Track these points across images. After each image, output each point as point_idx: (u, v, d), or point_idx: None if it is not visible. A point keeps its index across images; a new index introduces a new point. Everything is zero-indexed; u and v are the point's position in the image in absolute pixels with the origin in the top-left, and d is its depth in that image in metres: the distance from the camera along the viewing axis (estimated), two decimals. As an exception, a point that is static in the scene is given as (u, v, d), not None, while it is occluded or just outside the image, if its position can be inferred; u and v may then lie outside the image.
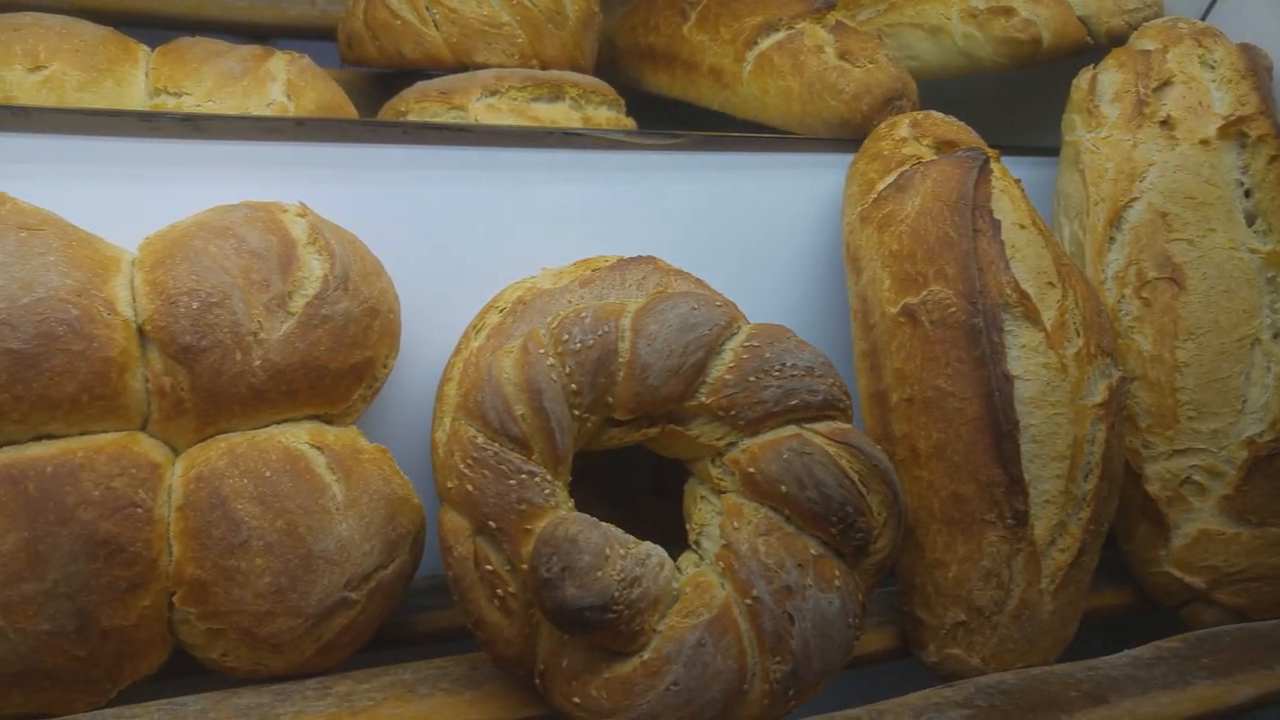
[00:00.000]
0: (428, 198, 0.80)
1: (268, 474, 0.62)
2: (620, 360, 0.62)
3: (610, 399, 0.62)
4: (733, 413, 0.62)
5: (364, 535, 0.64)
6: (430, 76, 0.99)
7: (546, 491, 0.59)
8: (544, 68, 0.99)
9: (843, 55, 0.91)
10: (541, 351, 0.62)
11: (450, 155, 0.80)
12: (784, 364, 0.63)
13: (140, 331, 0.62)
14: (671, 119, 1.14)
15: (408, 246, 0.77)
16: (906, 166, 0.78)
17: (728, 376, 0.62)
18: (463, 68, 0.98)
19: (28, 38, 0.76)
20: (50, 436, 0.60)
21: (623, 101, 1.01)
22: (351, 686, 0.63)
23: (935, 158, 0.78)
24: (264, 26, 1.15)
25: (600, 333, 0.62)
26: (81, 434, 0.60)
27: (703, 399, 0.63)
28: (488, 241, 0.81)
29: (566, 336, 0.62)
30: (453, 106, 0.92)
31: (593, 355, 0.61)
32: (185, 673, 0.65)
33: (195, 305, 0.62)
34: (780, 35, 0.94)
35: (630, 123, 1.00)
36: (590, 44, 1.05)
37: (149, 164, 0.73)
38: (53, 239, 0.62)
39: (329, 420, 0.68)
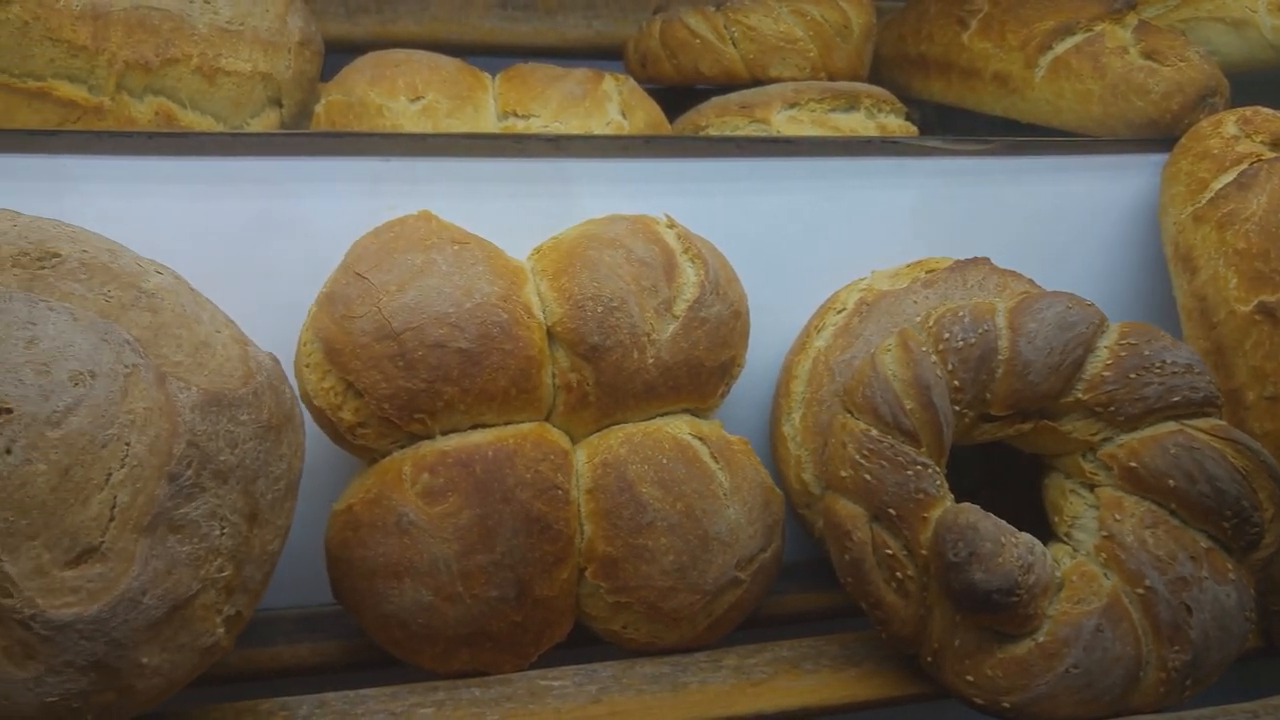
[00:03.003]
0: (754, 207, 0.85)
1: (664, 461, 0.68)
2: (1000, 358, 0.65)
3: (988, 395, 0.65)
4: (1111, 408, 0.64)
5: (748, 519, 0.69)
6: (711, 92, 1.04)
7: (937, 482, 0.63)
8: (831, 79, 1.03)
9: (1148, 55, 0.91)
10: (924, 349, 0.65)
11: (775, 166, 0.85)
12: (1164, 361, 0.64)
13: (548, 332, 0.69)
14: (925, 123, 1.16)
15: (737, 252, 0.82)
16: (1245, 165, 0.78)
17: (1106, 373, 0.65)
18: (755, 82, 1.03)
19: (406, 72, 0.85)
20: (482, 426, 0.67)
21: (905, 108, 1.04)
22: (739, 661, 0.68)
23: (1276, 154, 0.78)
24: (546, 48, 1.23)
25: (980, 331, 0.65)
26: (506, 424, 0.68)
27: (1079, 395, 0.65)
28: (810, 247, 0.85)
29: (947, 335, 0.65)
30: (754, 119, 0.97)
31: (975, 353, 0.65)
32: (576, 643, 0.71)
33: (600, 309, 0.68)
34: (1078, 38, 0.95)
35: (914, 129, 1.03)
36: (868, 54, 1.09)
37: (518, 181, 0.80)
38: (477, 250, 0.69)
39: (696, 414, 0.74)
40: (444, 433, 0.66)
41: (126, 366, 0.52)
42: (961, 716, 0.65)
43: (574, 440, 0.70)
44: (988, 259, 0.80)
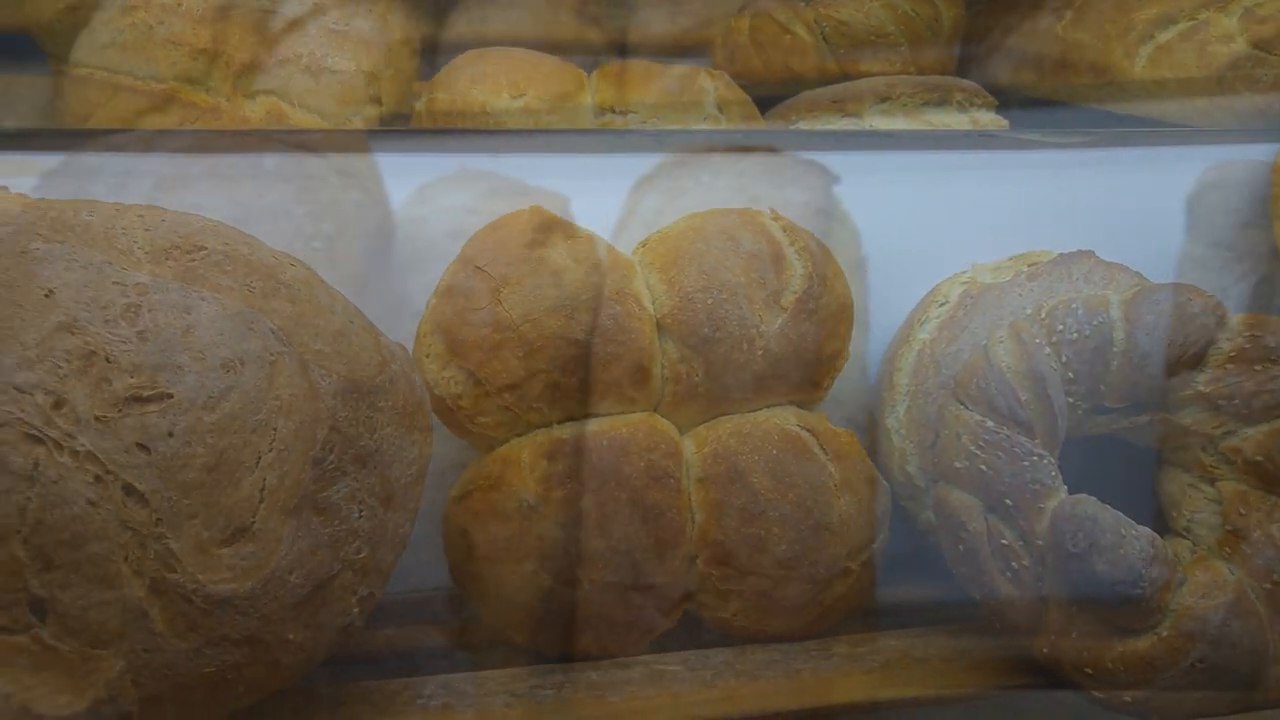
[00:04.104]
0: (852, 200, 0.85)
1: (774, 452, 0.69)
2: (1115, 349, 0.65)
3: (1103, 387, 0.65)
4: (1235, 401, 0.64)
5: (857, 511, 0.69)
6: (799, 87, 1.04)
7: (1052, 473, 0.63)
8: (920, 73, 1.03)
9: (1255, 43, 0.90)
10: (1038, 341, 0.65)
11: (873, 160, 0.86)
12: (1289, 353, 0.63)
13: (658, 324, 0.70)
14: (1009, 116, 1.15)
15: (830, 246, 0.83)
16: (1363, 155, 0.76)
17: (1229, 365, 0.64)
18: (845, 77, 1.03)
19: (508, 70, 0.87)
20: (595, 415, 0.69)
21: (995, 102, 1.03)
22: (849, 649, 0.68)
23: (1395, 145, 0.76)
24: (630, 45, 1.24)
25: (1095, 323, 0.65)
26: (618, 413, 0.69)
27: (1199, 388, 0.64)
28: (907, 240, 0.85)
29: (1061, 327, 0.65)
30: (846, 114, 0.97)
31: (1090, 345, 0.64)
32: (680, 630, 0.72)
33: (709, 301, 0.69)
34: (1181, 27, 0.93)
35: (1005, 123, 1.02)
36: (956, 48, 1.08)
37: (617, 175, 0.82)
38: (587, 244, 0.71)
39: (802, 405, 0.74)
40: (559, 421, 0.68)
41: (272, 354, 0.54)
42: (1078, 707, 0.65)
43: (681, 431, 0.71)
44: (1092, 252, 0.79)
